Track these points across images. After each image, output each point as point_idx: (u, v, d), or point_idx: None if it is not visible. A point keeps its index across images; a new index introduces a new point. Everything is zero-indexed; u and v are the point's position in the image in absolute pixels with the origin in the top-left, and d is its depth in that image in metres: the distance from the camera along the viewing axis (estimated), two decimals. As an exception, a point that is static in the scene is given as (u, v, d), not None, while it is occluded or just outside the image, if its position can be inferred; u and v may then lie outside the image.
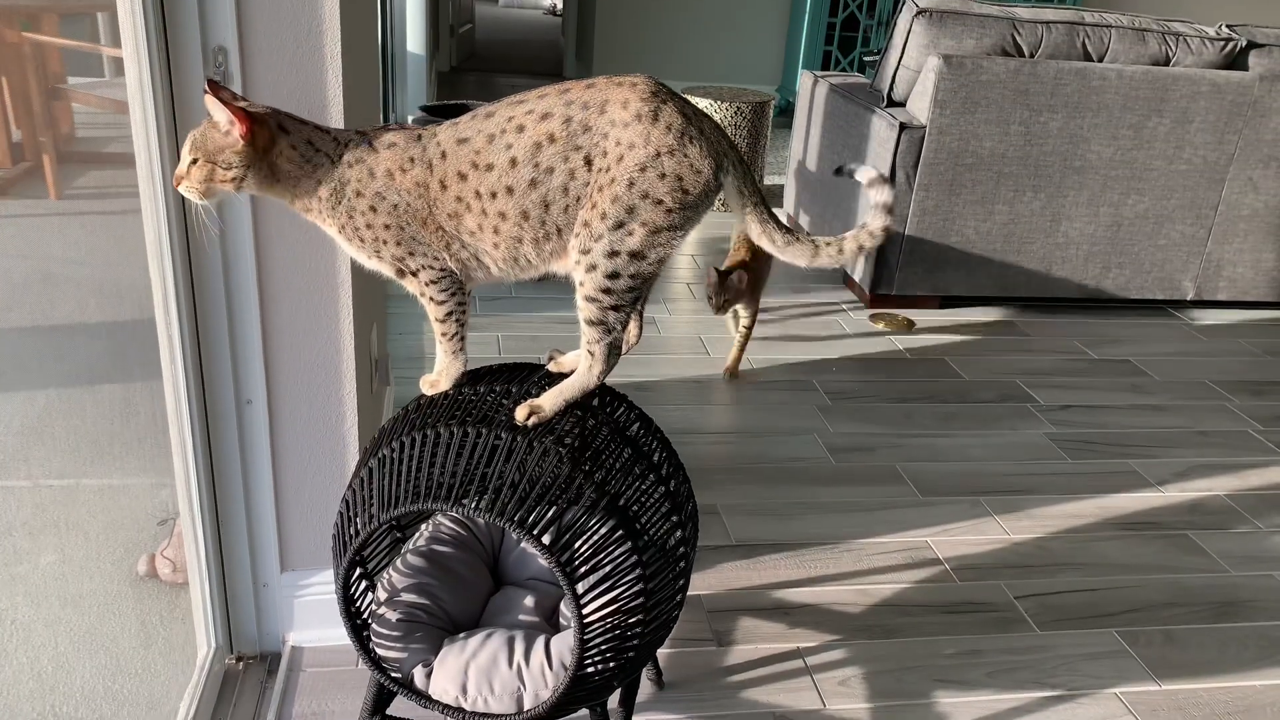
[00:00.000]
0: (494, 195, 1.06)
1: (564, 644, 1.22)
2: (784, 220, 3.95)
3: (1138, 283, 3.39)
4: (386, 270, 1.13)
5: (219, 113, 1.03)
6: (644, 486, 1.19)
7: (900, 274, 3.21)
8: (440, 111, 3.38)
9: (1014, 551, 2.05)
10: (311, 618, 1.60)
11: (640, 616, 1.14)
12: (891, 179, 3.07)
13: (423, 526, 1.42)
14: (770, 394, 2.66)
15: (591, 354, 1.13)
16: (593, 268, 1.06)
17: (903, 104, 3.22)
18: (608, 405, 1.28)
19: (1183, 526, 2.18)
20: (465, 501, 1.08)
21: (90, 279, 1.70)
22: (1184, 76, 3.11)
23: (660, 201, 1.03)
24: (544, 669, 1.20)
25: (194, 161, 1.05)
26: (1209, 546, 2.11)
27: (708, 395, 2.62)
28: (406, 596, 1.28)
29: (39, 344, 1.53)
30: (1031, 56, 3.11)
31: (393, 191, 1.07)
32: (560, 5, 11.08)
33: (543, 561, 1.32)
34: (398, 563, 1.33)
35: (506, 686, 1.19)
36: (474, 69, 7.35)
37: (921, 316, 3.26)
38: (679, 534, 1.22)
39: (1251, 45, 3.26)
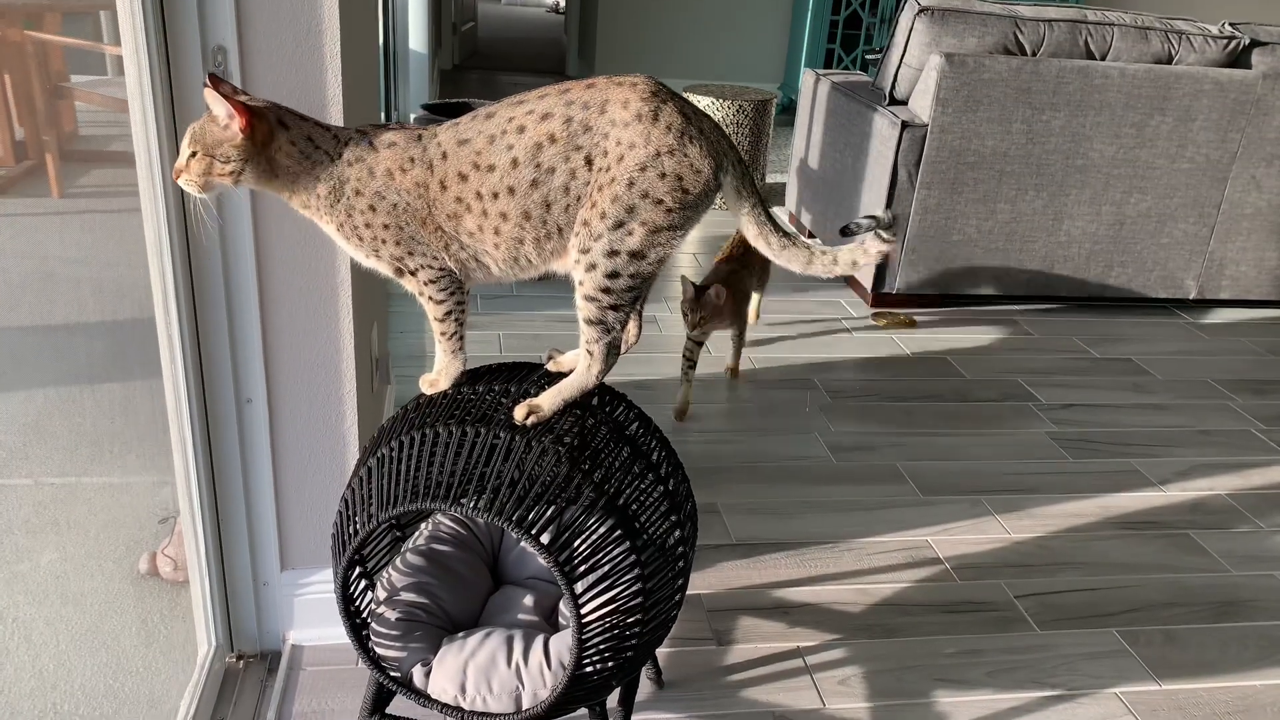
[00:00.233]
0: (495, 196, 1.06)
1: (563, 643, 1.22)
2: (785, 221, 3.87)
3: (1140, 281, 3.38)
4: (384, 269, 1.13)
5: (218, 106, 1.03)
6: (643, 486, 1.19)
7: (902, 272, 3.21)
8: (442, 110, 3.38)
9: (1014, 551, 2.05)
10: (311, 616, 1.61)
11: (639, 616, 1.14)
12: (894, 178, 3.07)
13: (422, 525, 1.42)
14: (771, 393, 2.66)
15: (590, 353, 1.13)
16: (592, 267, 1.06)
17: (905, 102, 3.22)
18: (607, 404, 1.28)
19: (1184, 526, 2.18)
20: (464, 501, 1.08)
21: (91, 278, 1.70)
22: (1187, 75, 3.10)
23: (660, 201, 1.03)
24: (543, 668, 1.20)
25: (193, 155, 1.05)
26: (1210, 546, 2.11)
27: (708, 394, 2.62)
28: (406, 595, 1.28)
29: (40, 342, 1.53)
30: (1034, 55, 3.11)
31: (392, 191, 1.07)
32: (563, 3, 11.07)
33: (541, 561, 1.32)
34: (397, 562, 1.33)
35: (505, 686, 1.19)
36: (476, 67, 7.35)
37: (923, 315, 3.26)
38: (678, 533, 1.22)
39: (1254, 43, 3.25)
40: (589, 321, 1.10)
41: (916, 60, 3.12)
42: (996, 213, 3.19)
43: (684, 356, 2.47)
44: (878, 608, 1.85)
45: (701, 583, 1.88)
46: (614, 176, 1.02)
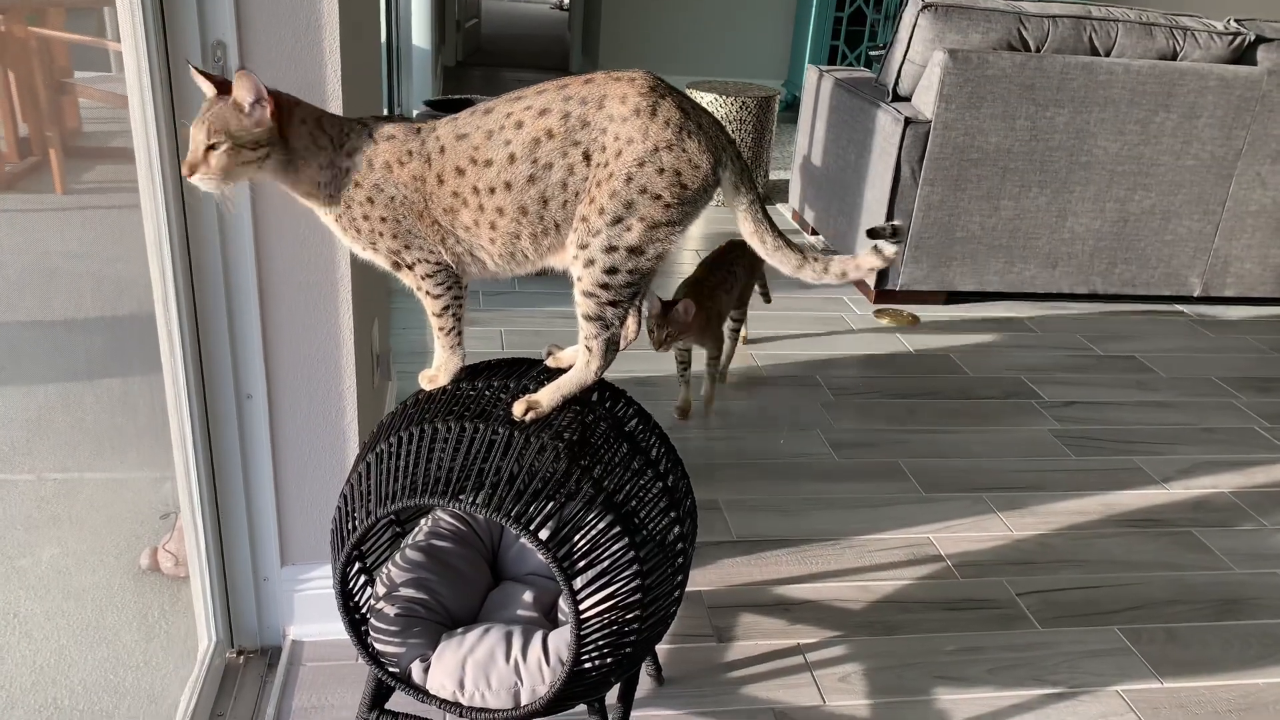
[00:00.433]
0: (492, 191, 1.06)
1: (561, 639, 1.22)
2: (788, 219, 3.86)
3: (1144, 278, 3.37)
4: (382, 262, 1.13)
5: (247, 92, 1.02)
6: (642, 482, 1.19)
7: (905, 269, 3.20)
8: (445, 106, 3.37)
9: (1016, 548, 2.05)
10: (312, 612, 1.61)
11: (637, 612, 1.13)
12: (897, 174, 3.06)
13: (422, 521, 1.42)
14: (773, 390, 2.65)
15: (589, 349, 1.13)
16: (590, 263, 1.05)
17: (908, 99, 3.21)
18: (606, 401, 1.28)
19: (1187, 524, 2.17)
20: (462, 496, 1.08)
21: (93, 273, 1.70)
22: (1191, 71, 3.09)
23: (658, 197, 1.03)
24: (541, 664, 1.20)
25: (211, 147, 1.02)
26: (1213, 544, 2.10)
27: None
28: (405, 591, 1.28)
29: (41, 337, 1.53)
30: (1038, 51, 3.10)
31: (390, 184, 1.07)
32: (566, 0, 11.06)
33: (540, 557, 1.32)
34: (396, 557, 1.33)
35: (504, 681, 1.19)
36: (480, 64, 7.35)
37: (926, 312, 3.25)
38: (677, 530, 1.22)
39: (1260, 40, 3.23)
40: (587, 317, 1.10)
41: (920, 56, 3.11)
42: (1000, 209, 3.18)
43: (676, 360, 2.45)
44: (879, 605, 1.85)
45: (702, 579, 1.88)
46: (612, 172, 1.02)
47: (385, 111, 4.32)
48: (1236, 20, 3.25)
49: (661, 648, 1.68)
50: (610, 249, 1.04)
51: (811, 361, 2.84)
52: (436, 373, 1.23)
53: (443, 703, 1.19)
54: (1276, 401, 2.79)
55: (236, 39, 1.26)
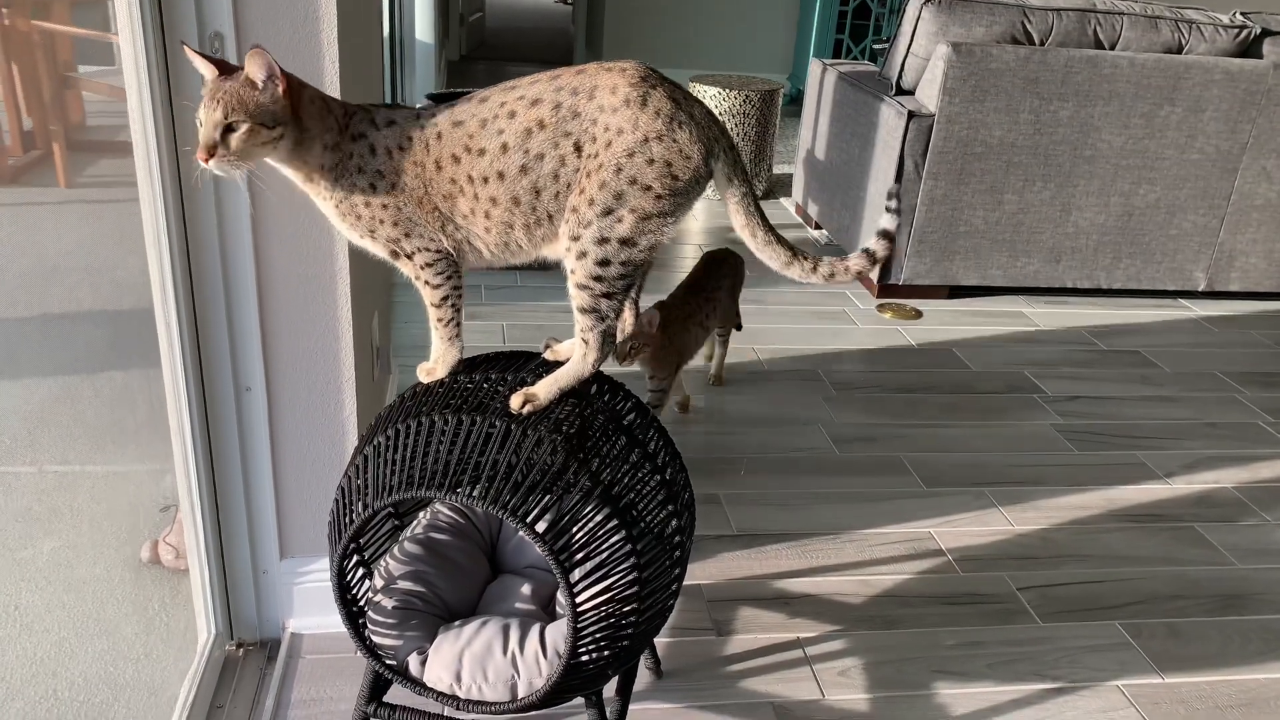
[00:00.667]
0: (485, 180, 1.05)
1: (559, 632, 1.21)
2: (791, 213, 3.83)
3: (1148, 273, 3.36)
4: (379, 251, 1.13)
5: (260, 69, 1.00)
6: (640, 475, 1.19)
7: (908, 263, 3.20)
8: (447, 99, 3.37)
9: (1017, 543, 2.04)
10: (311, 604, 1.61)
11: (634, 605, 1.13)
12: (900, 168, 3.05)
13: (421, 514, 1.42)
14: (775, 384, 2.65)
15: (585, 342, 1.13)
16: (583, 254, 1.05)
17: (912, 92, 3.20)
18: (605, 394, 1.27)
19: (1189, 519, 2.17)
20: (459, 489, 1.08)
21: (95, 267, 1.70)
22: (1197, 64, 3.08)
23: (649, 187, 1.02)
24: (538, 657, 1.20)
25: (229, 128, 1.00)
26: (1215, 539, 2.10)
27: (710, 385, 2.61)
28: (403, 584, 1.28)
29: (43, 331, 1.53)
30: (1042, 44, 3.08)
31: (391, 170, 1.07)
32: (571, -6, 11.03)
33: (537, 549, 1.31)
34: (395, 550, 1.33)
35: (501, 674, 1.19)
36: (484, 57, 7.34)
37: (929, 306, 3.24)
38: (675, 523, 1.22)
39: (1266, 33, 3.21)
40: (582, 310, 1.09)
41: (923, 50, 3.10)
42: (1003, 203, 3.17)
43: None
44: (879, 599, 1.84)
45: (702, 573, 1.88)
46: (602, 163, 1.02)
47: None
48: (1242, 13, 3.23)
49: (660, 641, 1.68)
50: (602, 241, 1.04)
51: (813, 355, 2.83)
52: (434, 365, 1.23)
53: (440, 695, 1.20)
54: (1281, 396, 2.78)
55: (234, 30, 1.26)
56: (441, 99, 3.39)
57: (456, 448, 1.11)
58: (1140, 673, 1.71)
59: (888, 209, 1.18)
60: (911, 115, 3.01)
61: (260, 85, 1.01)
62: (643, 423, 1.28)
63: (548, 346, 1.27)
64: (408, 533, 1.37)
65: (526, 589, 1.36)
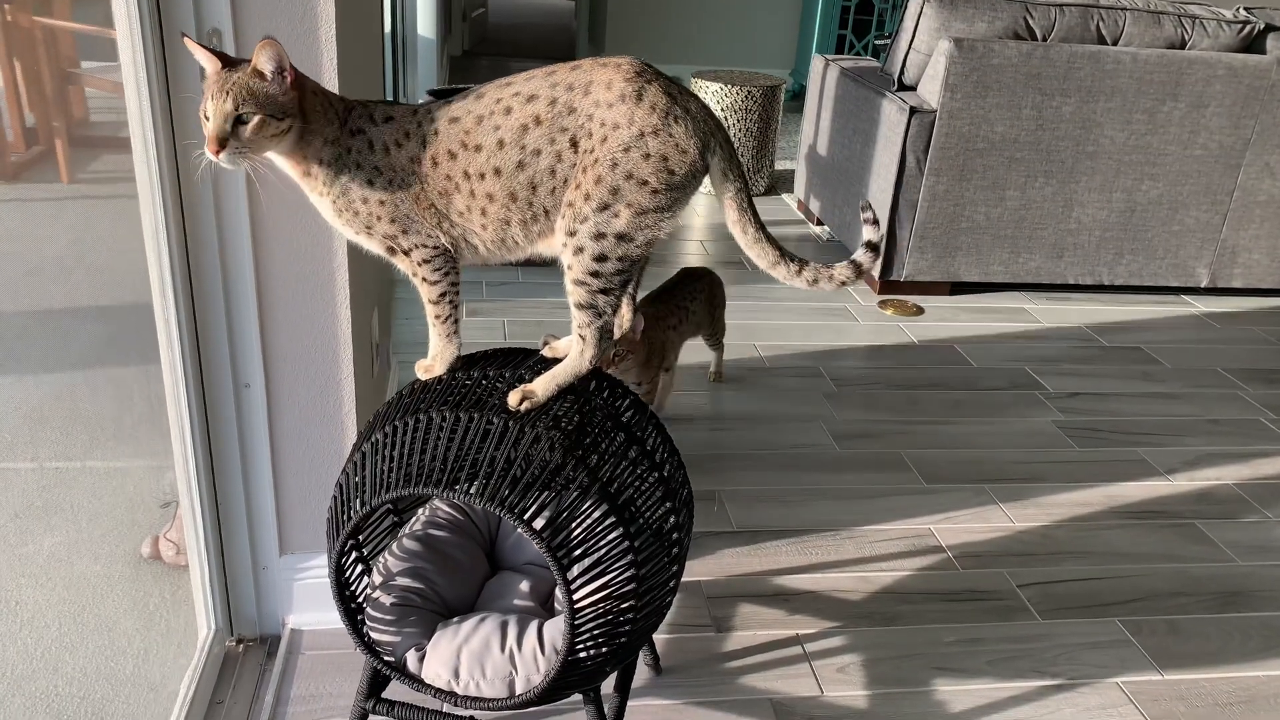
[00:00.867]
0: (482, 176, 1.05)
1: (556, 629, 1.22)
2: (794, 209, 3.82)
3: (1151, 269, 3.35)
4: (375, 248, 1.12)
5: (269, 61, 1.00)
6: (638, 472, 1.19)
7: (910, 260, 3.19)
8: (448, 95, 3.37)
9: (1018, 540, 2.04)
10: (310, 601, 1.61)
11: (632, 602, 1.13)
12: (902, 164, 3.04)
13: (420, 511, 1.42)
14: (776, 380, 2.64)
15: (583, 338, 1.13)
16: (580, 250, 1.05)
17: (913, 88, 3.19)
18: (603, 391, 1.27)
19: (1190, 516, 2.16)
20: (457, 486, 1.08)
21: (96, 263, 1.71)
22: (1200, 60, 3.07)
23: (645, 182, 1.02)
24: (536, 653, 1.20)
25: (240, 120, 1.00)
26: (1216, 536, 2.09)
27: (710, 382, 2.61)
28: (401, 580, 1.28)
29: (44, 327, 1.53)
30: (1044, 40, 3.07)
31: (388, 166, 1.07)
32: (574, -11, 11.02)
33: (535, 546, 1.31)
34: (393, 546, 1.33)
35: (498, 671, 1.19)
36: (486, 53, 7.33)
37: (930, 303, 3.24)
38: (673, 520, 1.22)
39: (1270, 28, 3.20)
40: (579, 306, 1.09)
41: (925, 45, 3.09)
42: (1005, 199, 3.16)
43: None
44: (878, 596, 1.84)
45: (701, 569, 1.88)
46: (598, 158, 1.01)
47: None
48: (1246, 9, 3.22)
49: (659, 637, 1.68)
50: (598, 236, 1.04)
51: (814, 352, 2.83)
52: (432, 362, 1.23)
53: (438, 691, 1.20)
54: (1283, 393, 2.78)
55: (232, 26, 1.25)
56: (443, 94, 3.38)
57: (454, 444, 1.11)
58: (1140, 670, 1.71)
59: (864, 220, 1.17)
60: (913, 111, 3.00)
61: (269, 77, 1.01)
62: (641, 419, 1.28)
63: (546, 343, 1.27)
64: (406, 529, 1.37)
65: (525, 585, 1.36)
